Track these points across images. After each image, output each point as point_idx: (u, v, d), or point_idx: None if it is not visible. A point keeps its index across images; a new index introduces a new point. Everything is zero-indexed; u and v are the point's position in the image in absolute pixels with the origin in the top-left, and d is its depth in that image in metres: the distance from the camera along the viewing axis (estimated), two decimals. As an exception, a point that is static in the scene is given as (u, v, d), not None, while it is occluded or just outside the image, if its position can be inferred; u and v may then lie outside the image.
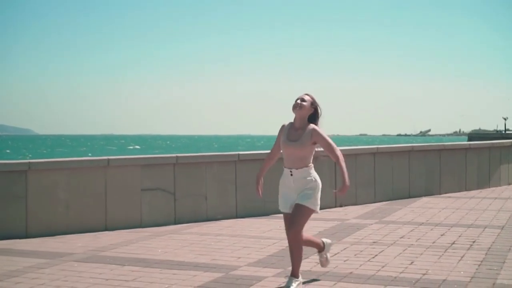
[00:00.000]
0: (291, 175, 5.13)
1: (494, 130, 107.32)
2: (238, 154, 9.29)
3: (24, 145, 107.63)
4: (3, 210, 7.58)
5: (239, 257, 6.46)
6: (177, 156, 8.76)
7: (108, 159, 8.27)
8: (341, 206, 10.23)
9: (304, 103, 5.13)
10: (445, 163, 11.88)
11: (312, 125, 5.14)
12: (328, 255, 5.72)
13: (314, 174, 5.19)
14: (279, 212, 9.18)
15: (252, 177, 9.46)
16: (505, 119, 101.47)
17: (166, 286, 5.35)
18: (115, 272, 5.84)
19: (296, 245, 5.11)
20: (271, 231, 8.07)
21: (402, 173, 11.23)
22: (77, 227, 7.98)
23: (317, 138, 5.10)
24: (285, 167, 5.20)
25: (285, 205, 5.24)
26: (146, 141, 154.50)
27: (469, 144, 12.55)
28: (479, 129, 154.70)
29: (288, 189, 5.18)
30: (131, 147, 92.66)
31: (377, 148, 10.98)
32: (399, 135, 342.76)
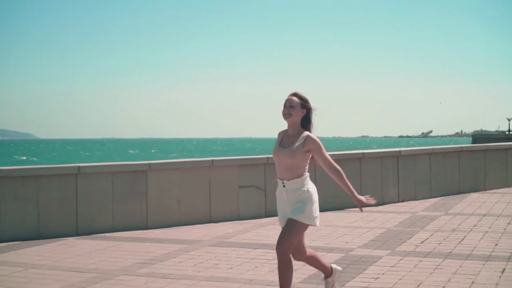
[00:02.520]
0: (284, 186, 4.72)
1: (496, 131, 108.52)
2: (318, 155, 10.44)
3: (38, 149, 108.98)
4: (128, 205, 8.74)
5: (347, 242, 7.61)
6: (267, 157, 9.91)
7: (212, 160, 9.45)
8: (403, 201, 11.38)
9: (292, 110, 4.69)
10: (489, 162, 13.05)
11: (306, 132, 4.72)
12: (336, 285, 5.22)
13: (309, 185, 4.75)
14: (354, 206, 10.51)
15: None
16: (509, 119, 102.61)
17: (305, 263, 6.48)
18: (252, 254, 6.98)
19: (285, 263, 4.65)
20: (356, 222, 9.22)
21: (453, 171, 12.40)
22: (187, 220, 9.13)
23: (312, 146, 4.66)
24: (277, 178, 4.79)
25: (281, 220, 4.81)
26: (156, 144, 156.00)
27: (509, 145, 13.69)
28: (481, 130, 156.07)
29: (282, 201, 4.78)
30: (153, 151, 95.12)
31: (432, 149, 12.16)
32: (400, 136, 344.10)
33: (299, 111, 4.71)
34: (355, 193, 4.71)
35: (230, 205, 9.55)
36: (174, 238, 8.08)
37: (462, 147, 12.75)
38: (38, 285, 5.74)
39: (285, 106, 4.71)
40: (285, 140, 4.76)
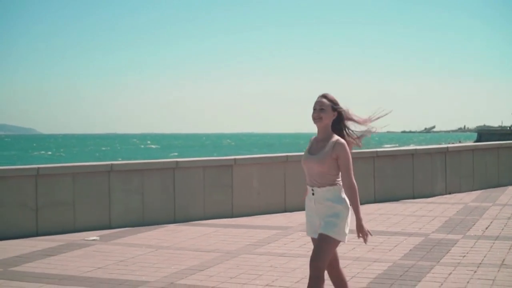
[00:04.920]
0: (313, 194, 4.38)
1: (499, 126, 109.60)
2: (376, 151, 11.50)
3: (55, 145, 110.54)
4: (216, 196, 9.80)
5: (420, 228, 8.65)
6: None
7: (287, 156, 10.50)
8: (450, 193, 12.43)
9: (323, 113, 4.37)
10: (525, 157, 14.13)
11: (336, 137, 4.37)
12: None
13: (341, 199, 4.35)
14: (408, 197, 11.60)
15: (389, 170, 11.69)
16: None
17: (395, 245, 7.52)
18: (343, 237, 8.00)
19: (315, 280, 4.22)
20: (418, 211, 10.25)
21: (493, 166, 13.46)
22: (265, 210, 10.18)
23: (340, 153, 4.28)
24: (307, 185, 4.47)
25: (309, 229, 4.49)
26: (163, 139, 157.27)
27: (543, 141, 14.77)
28: (484, 125, 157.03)
29: (310, 211, 4.44)
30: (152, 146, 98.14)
31: (475, 145, 13.23)
32: (403, 132, 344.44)
33: (330, 114, 4.39)
34: (361, 219, 4.28)
35: (302, 196, 10.57)
36: (263, 225, 9.12)
37: (501, 143, 13.81)
38: (179, 261, 6.79)
39: (314, 109, 4.40)
40: (314, 145, 4.44)
